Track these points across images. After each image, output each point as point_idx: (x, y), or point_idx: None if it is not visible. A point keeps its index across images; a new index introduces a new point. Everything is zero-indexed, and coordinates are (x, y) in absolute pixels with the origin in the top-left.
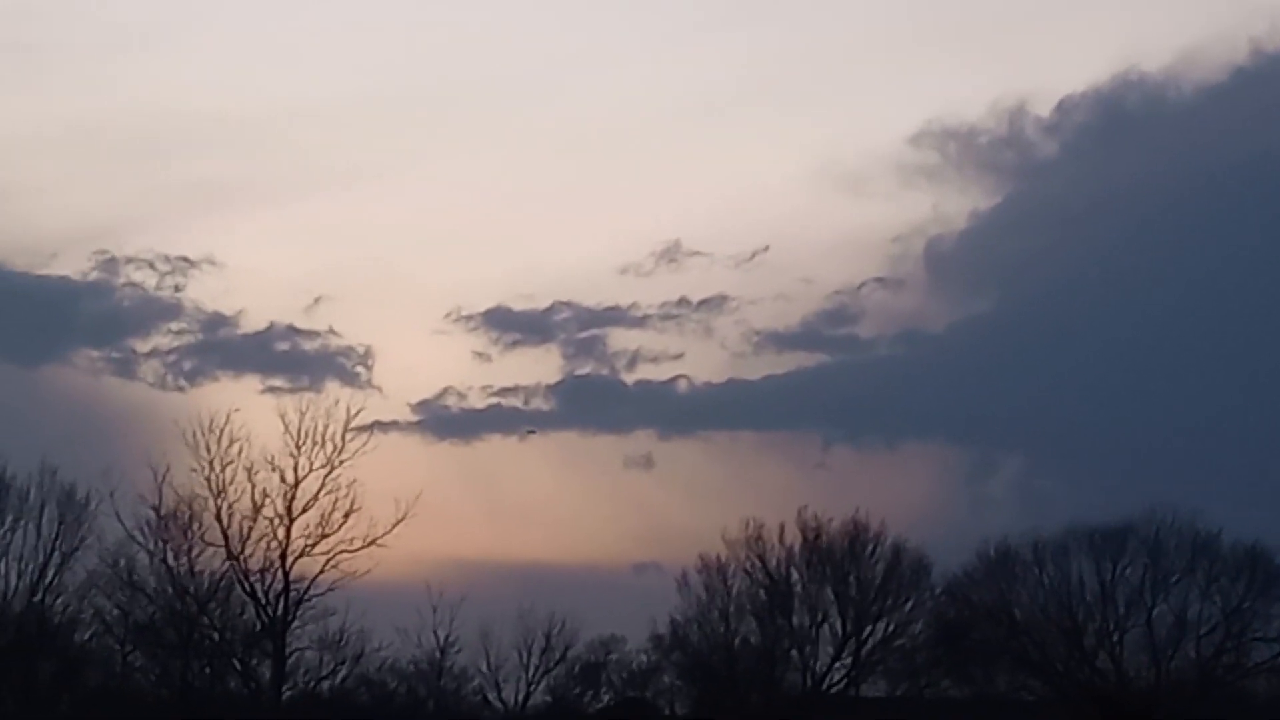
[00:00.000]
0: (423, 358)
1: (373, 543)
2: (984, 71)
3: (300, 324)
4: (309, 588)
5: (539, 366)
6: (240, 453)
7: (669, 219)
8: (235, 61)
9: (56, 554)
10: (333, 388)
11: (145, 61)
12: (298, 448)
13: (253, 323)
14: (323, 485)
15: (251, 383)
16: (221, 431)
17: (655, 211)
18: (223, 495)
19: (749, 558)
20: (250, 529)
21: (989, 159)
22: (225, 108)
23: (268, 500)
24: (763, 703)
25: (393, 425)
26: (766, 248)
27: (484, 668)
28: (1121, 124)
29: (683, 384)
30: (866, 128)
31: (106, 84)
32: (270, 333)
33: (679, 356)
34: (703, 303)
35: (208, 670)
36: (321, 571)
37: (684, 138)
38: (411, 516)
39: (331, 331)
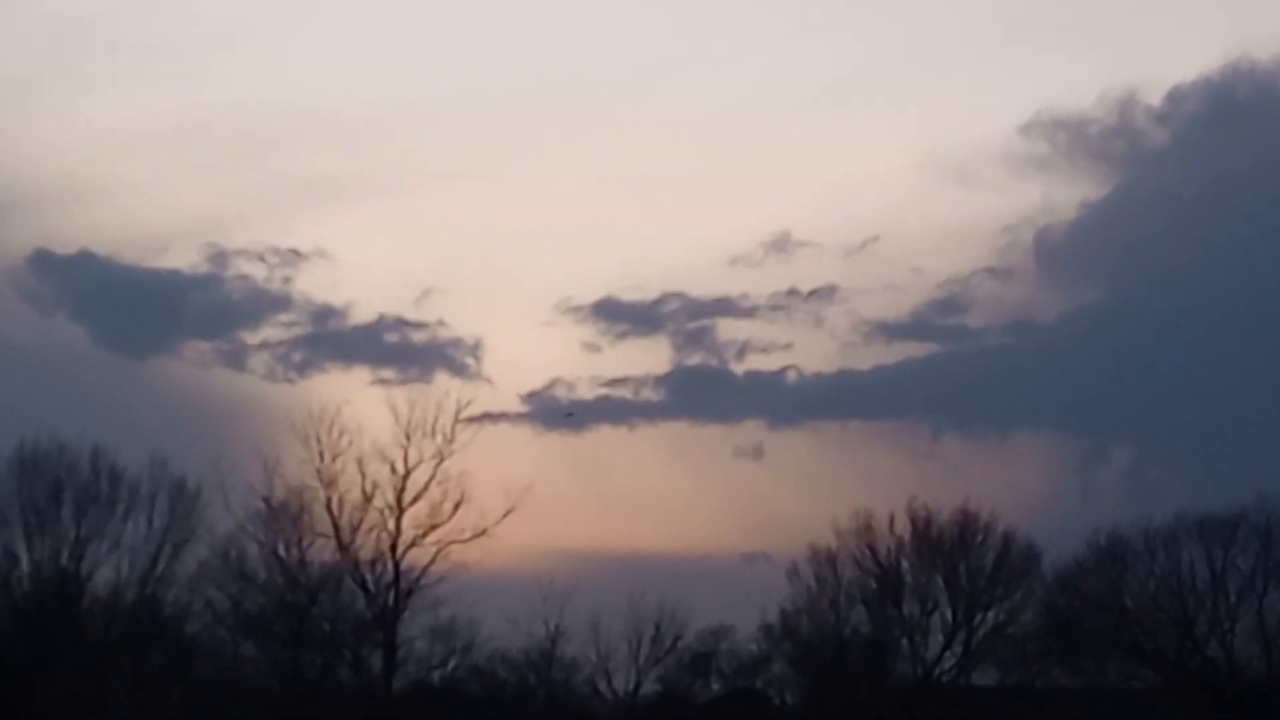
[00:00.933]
0: (532, 349)
1: (482, 533)
2: (1094, 61)
3: (410, 316)
4: (419, 578)
5: (648, 357)
6: (350, 444)
7: (779, 210)
8: (346, 55)
9: (167, 545)
10: (442, 379)
11: (256, 56)
12: (408, 439)
13: (362, 315)
14: (433, 476)
15: (361, 374)
16: (331, 423)
17: (765, 202)
18: (333, 486)
19: (859, 547)
20: (360, 520)
21: (1099, 149)
22: (337, 101)
23: (378, 491)
24: (873, 692)
25: (502, 416)
26: (876, 238)
27: (594, 657)
28: (1232, 113)
29: (792, 374)
30: (976, 118)
31: (218, 79)
32: (380, 325)
33: (788, 347)
34: (812, 293)
35: (318, 661)
36: (432, 562)
37: (794, 129)
38: (521, 507)
39: (441, 323)
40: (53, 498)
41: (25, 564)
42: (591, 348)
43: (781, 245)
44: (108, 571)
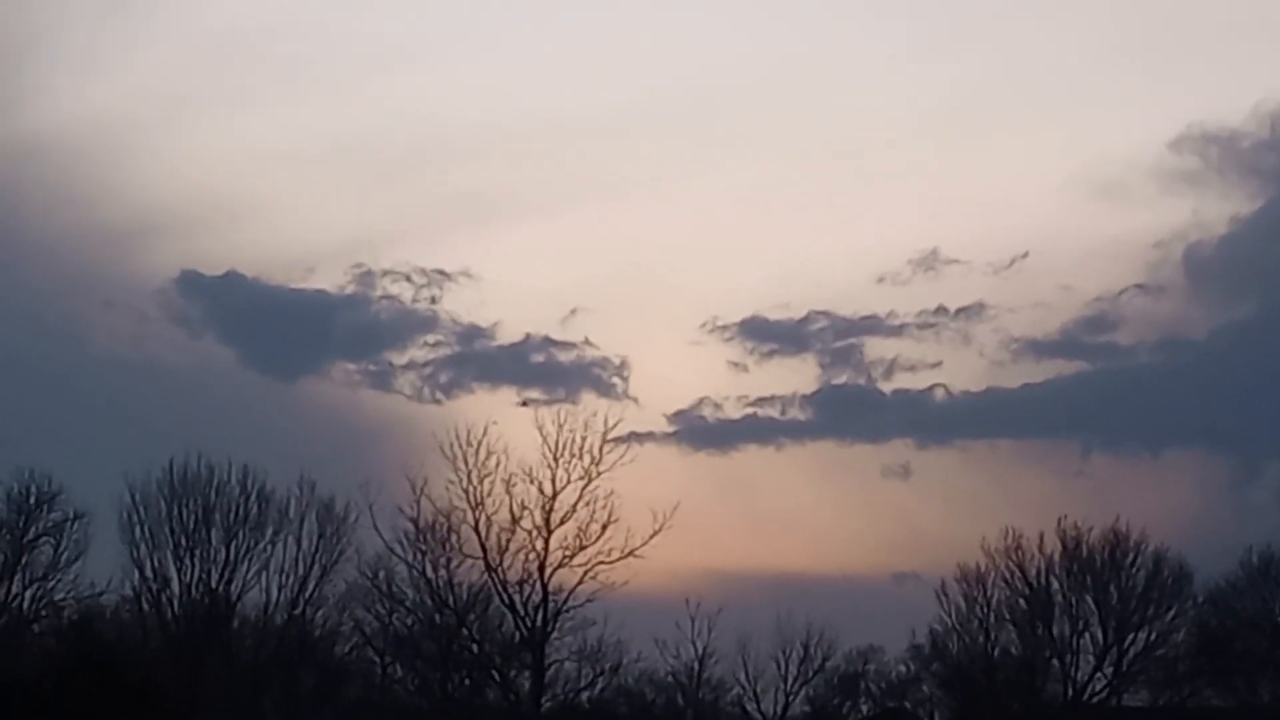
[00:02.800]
0: (678, 368)
1: (630, 554)
2: (1246, 74)
3: (556, 335)
4: (567, 599)
5: (795, 376)
6: (498, 465)
7: (926, 227)
8: (493, 75)
9: (316, 567)
10: (589, 399)
11: (405, 76)
12: (555, 459)
13: (509, 334)
14: (580, 497)
15: (508, 394)
16: (479, 443)
17: (913, 219)
18: (481, 507)
19: (1008, 567)
20: (508, 541)
21: (1251, 163)
22: (482, 121)
23: (526, 512)
24: (1023, 713)
25: (649, 436)
26: (1025, 254)
27: (742, 678)
28: None
29: (940, 393)
30: (1126, 133)
31: (366, 99)
32: (526, 344)
33: (936, 365)
34: (960, 310)
35: (467, 682)
36: (580, 583)
37: (942, 145)
38: (669, 527)
39: (587, 343)
40: (203, 519)
41: (176, 586)
42: (738, 367)
43: (929, 263)
44: (257, 593)
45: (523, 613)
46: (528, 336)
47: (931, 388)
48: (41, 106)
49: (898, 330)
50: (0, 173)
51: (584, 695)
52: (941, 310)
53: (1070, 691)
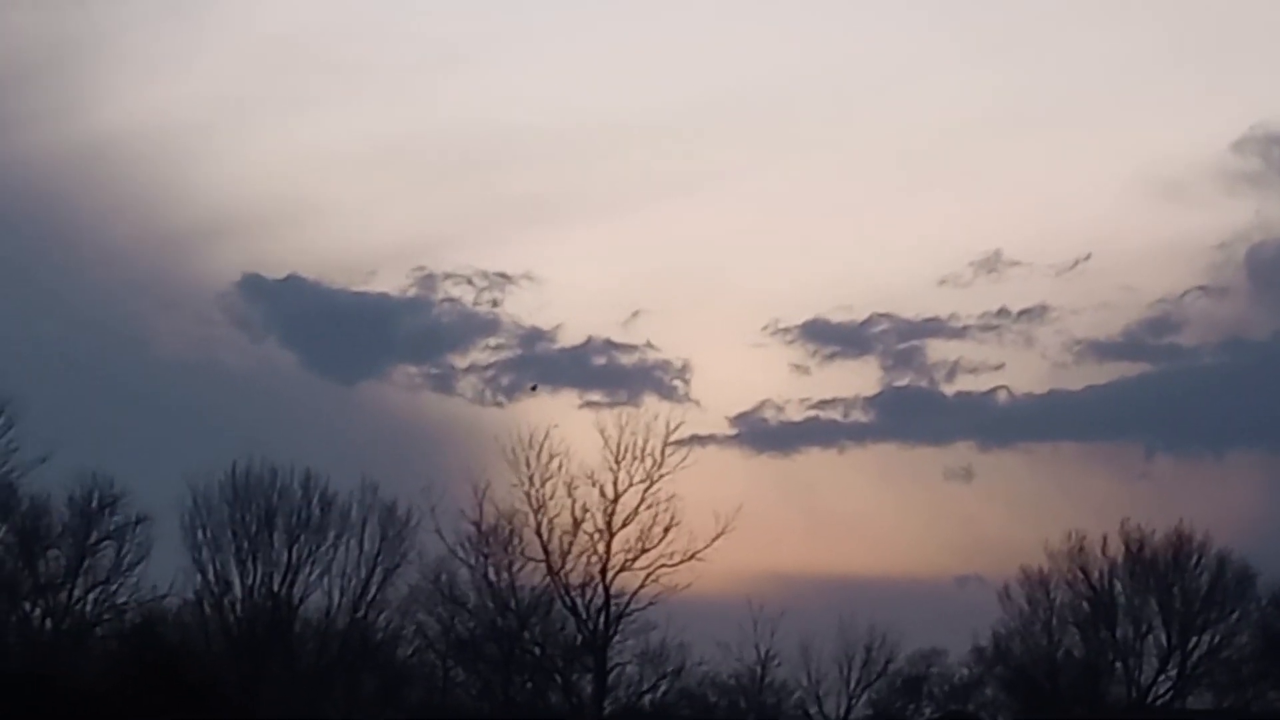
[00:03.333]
0: (740, 371)
1: (692, 557)
2: None
3: (618, 338)
4: (629, 602)
5: (857, 378)
6: (560, 468)
7: (988, 228)
8: (555, 76)
9: (379, 570)
10: (650, 402)
11: (466, 78)
12: (617, 462)
13: (570, 337)
14: (642, 500)
15: (569, 397)
16: (541, 446)
17: (974, 221)
18: (543, 510)
19: (1071, 570)
20: (570, 544)
21: None
22: (544, 123)
23: (588, 515)
24: (1086, 716)
25: (710, 439)
26: (1088, 256)
27: (805, 681)
28: None
29: (1003, 395)
30: (1188, 134)
31: (427, 101)
32: (588, 347)
33: (999, 367)
34: (1023, 312)
35: (529, 685)
36: (642, 586)
37: (1003, 147)
38: (731, 530)
39: (649, 345)
40: (265, 523)
41: (238, 589)
42: (800, 369)
43: (991, 264)
44: (319, 596)
45: (585, 616)
46: (589, 339)
47: (994, 390)
48: (104, 111)
49: (960, 332)
50: (64, 177)
51: (646, 699)
52: (1004, 312)
53: (1134, 694)
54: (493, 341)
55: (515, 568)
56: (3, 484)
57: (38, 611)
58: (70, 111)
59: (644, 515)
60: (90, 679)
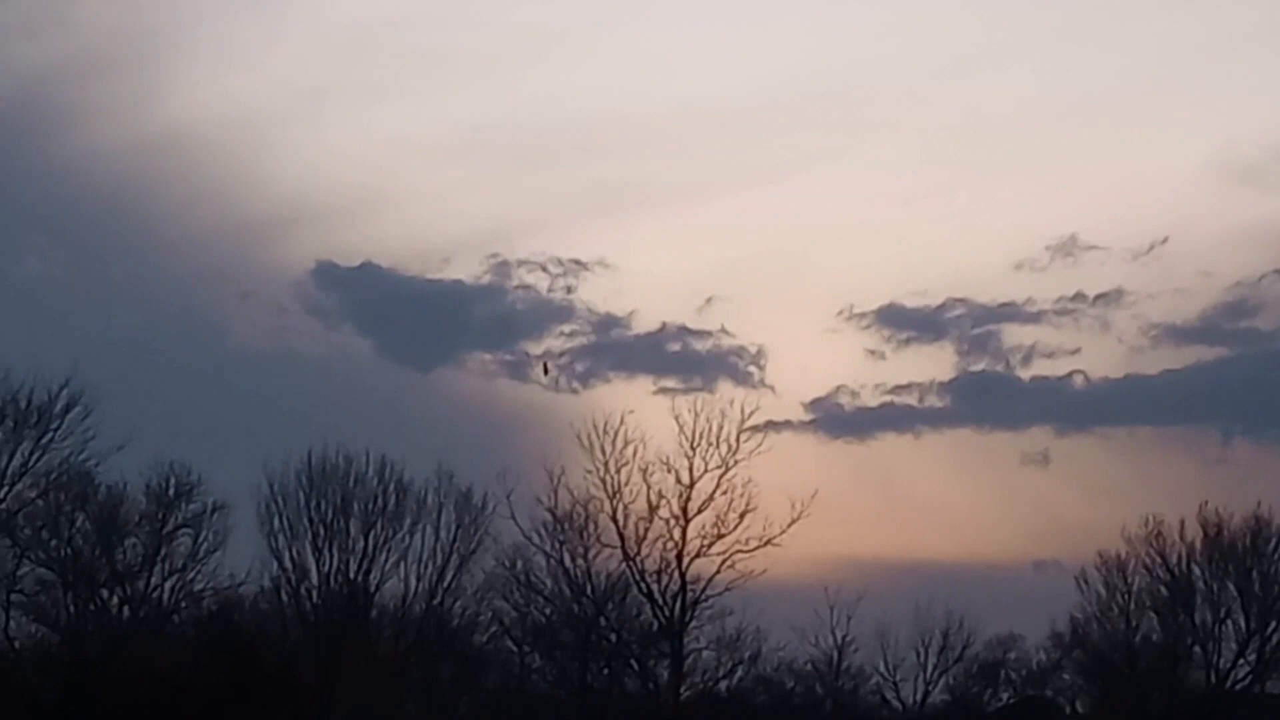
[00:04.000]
0: (815, 356)
1: (768, 543)
2: None
3: (692, 324)
4: (705, 588)
5: (932, 364)
6: (635, 454)
7: (1064, 213)
8: (631, 64)
9: (454, 557)
10: (725, 388)
11: (541, 65)
12: (692, 448)
13: (645, 323)
14: (718, 485)
15: (644, 384)
16: (616, 433)
17: (1050, 205)
18: (618, 496)
19: (1149, 554)
20: (646, 530)
21: None
22: (620, 110)
23: (663, 501)
24: (1165, 701)
25: (785, 425)
26: (1165, 240)
27: (881, 667)
28: None
29: (1079, 379)
30: (1266, 117)
31: (503, 89)
32: (662, 333)
33: (1075, 352)
34: (1099, 297)
35: (605, 671)
36: (718, 572)
37: (1080, 130)
38: (807, 516)
39: (724, 331)
40: (341, 510)
41: (314, 576)
42: (875, 354)
43: (1068, 249)
44: (395, 583)
45: (661, 602)
46: (664, 325)
47: (1070, 374)
48: (179, 100)
49: (1036, 317)
50: (139, 166)
51: (722, 684)
52: (1080, 296)
53: (1212, 679)
54: (567, 328)
55: (591, 554)
56: (81, 473)
57: (115, 599)
58: (148, 102)
59: (719, 501)
60: (167, 667)
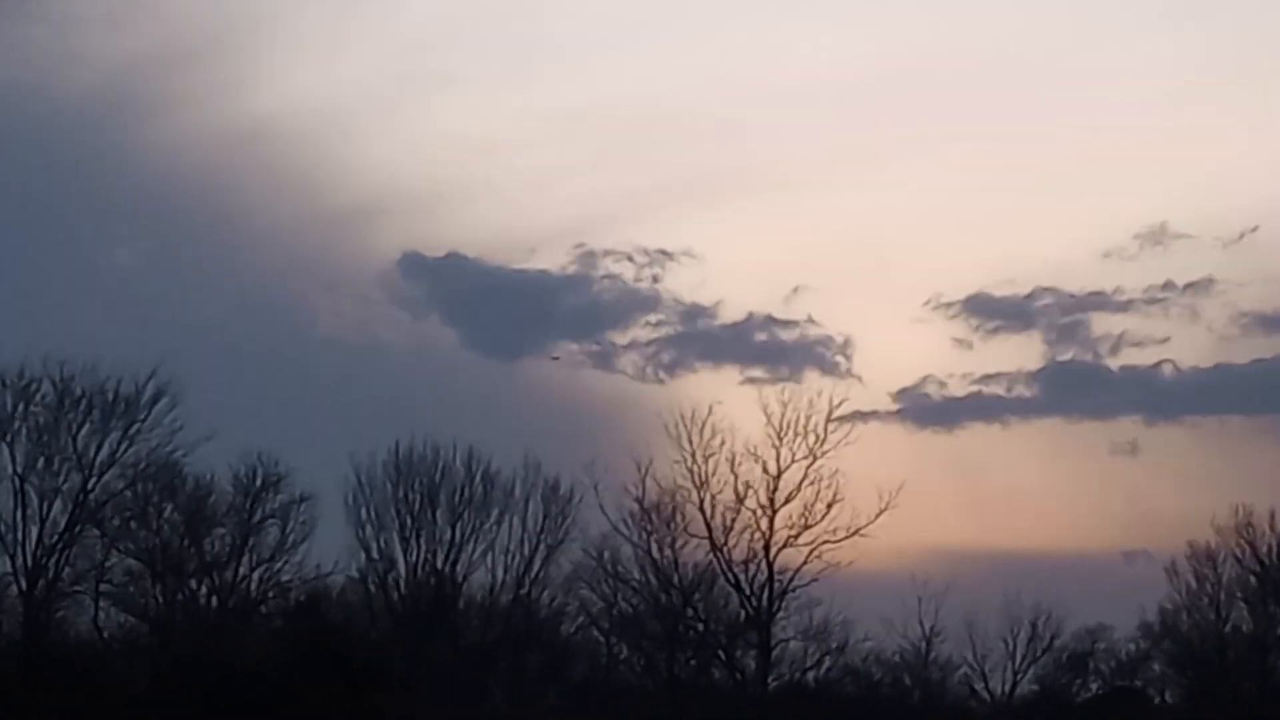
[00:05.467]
0: (902, 346)
1: (856, 533)
2: None
3: (779, 314)
4: (793, 578)
5: (1020, 353)
6: (722, 444)
7: (1154, 201)
8: (718, 53)
9: (542, 547)
10: (812, 377)
11: (627, 55)
12: (780, 438)
13: (731, 313)
14: (805, 476)
15: (730, 374)
16: (703, 423)
17: (1139, 194)
18: (706, 486)
19: (1239, 544)
20: (733, 520)
21: None
22: (705, 99)
23: (750, 491)
24: (1254, 691)
25: (873, 414)
26: (1255, 228)
27: (970, 657)
28: None
29: (1168, 369)
30: None
31: (589, 79)
32: (749, 323)
33: (1164, 341)
34: (1189, 286)
35: (693, 662)
36: (805, 562)
37: (1169, 119)
38: (894, 506)
39: (810, 321)
40: (428, 500)
41: (401, 566)
42: (963, 344)
43: (1157, 237)
44: (482, 574)
45: (748, 592)
46: (750, 315)
47: (1159, 364)
48: (266, 91)
49: (1125, 306)
50: (226, 157)
51: (810, 675)
52: (1169, 285)
53: None
54: (653, 318)
55: (678, 544)
56: (168, 464)
57: (203, 590)
58: (234, 93)
59: (807, 491)
60: (256, 657)
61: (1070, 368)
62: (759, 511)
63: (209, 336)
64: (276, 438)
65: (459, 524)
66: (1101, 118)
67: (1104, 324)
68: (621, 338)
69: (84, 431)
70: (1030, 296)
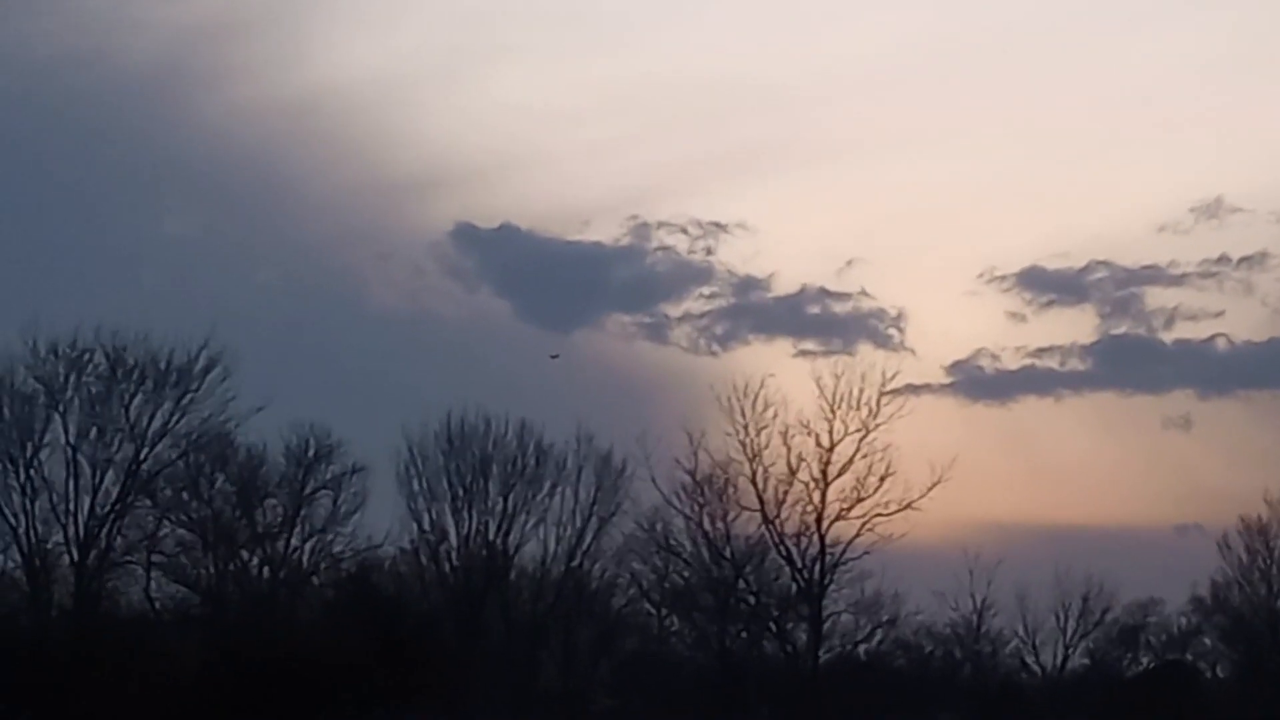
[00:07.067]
0: (955, 319)
1: (908, 506)
2: None
3: (832, 286)
4: (844, 551)
5: (1074, 326)
6: (775, 417)
7: (1209, 175)
8: (772, 25)
9: (594, 519)
10: (865, 350)
11: (681, 28)
12: (833, 411)
13: (784, 286)
14: (858, 449)
15: (783, 346)
16: (756, 396)
17: (1194, 167)
18: (758, 459)
19: None
20: (786, 493)
21: None
22: (758, 72)
23: (803, 464)
24: None
25: (925, 388)
26: None
27: (1021, 631)
28: None
29: (1222, 342)
30: None
31: (641, 51)
32: (802, 296)
33: (1219, 314)
34: (1244, 259)
35: (744, 634)
36: (857, 535)
37: (1225, 92)
38: (947, 480)
39: (863, 293)
40: (480, 472)
41: (453, 538)
42: (1016, 317)
43: (1213, 211)
44: (534, 545)
45: (800, 565)
46: (803, 288)
47: (1213, 337)
48: (320, 62)
49: (1179, 280)
50: (280, 128)
51: (861, 647)
52: (1224, 259)
53: None
54: (706, 290)
55: (730, 517)
56: (221, 434)
57: (255, 560)
58: (289, 64)
59: (859, 464)
60: (307, 627)
61: (1124, 341)
62: (811, 484)
63: (261, 307)
64: (329, 408)
65: (511, 496)
66: (1158, 91)
67: (1158, 297)
68: (675, 310)
69: (136, 402)
70: (1084, 270)
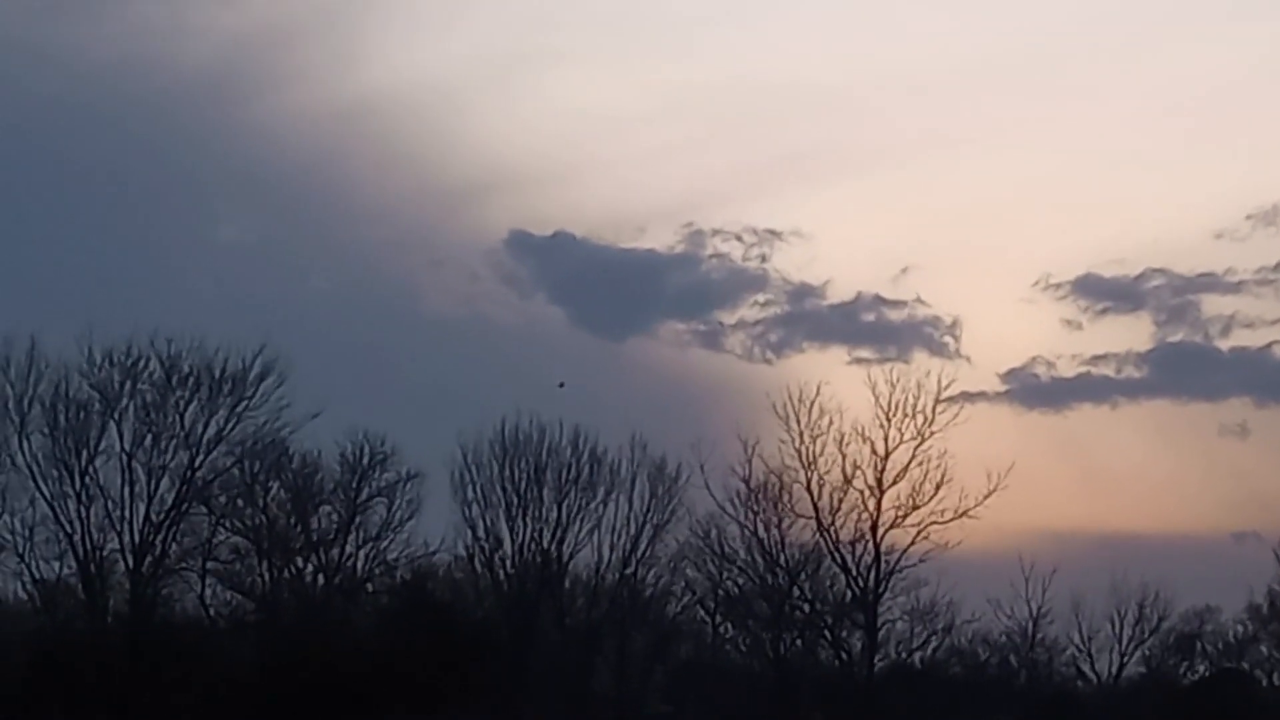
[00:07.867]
0: (1011, 326)
1: (964, 514)
2: None
3: (887, 294)
4: (900, 559)
5: (1130, 334)
6: (830, 424)
7: (1266, 181)
8: (825, 30)
9: (648, 526)
10: (920, 358)
11: (736, 33)
12: (888, 419)
13: (839, 293)
14: (913, 457)
15: (838, 354)
16: (811, 403)
17: (1252, 173)
18: (813, 467)
19: None
20: (840, 501)
21: None
22: (815, 77)
23: (858, 472)
24: None
25: (980, 395)
26: None
27: (1076, 639)
28: None
29: (1279, 350)
30: None
31: (698, 57)
32: (857, 303)
33: (1276, 322)
34: None
35: (799, 642)
36: (912, 543)
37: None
38: (1003, 488)
39: (919, 301)
40: (535, 479)
41: (508, 545)
42: (1071, 325)
43: (1270, 218)
44: (589, 553)
45: (855, 572)
46: (858, 295)
47: (1270, 345)
48: (375, 67)
49: (1236, 287)
50: (335, 133)
51: (916, 655)
52: None
53: None
54: (761, 298)
55: (785, 524)
56: (275, 441)
57: (310, 568)
58: (343, 69)
59: (915, 472)
60: (362, 634)
61: (1180, 349)
62: (866, 492)
63: (316, 313)
64: (383, 415)
65: (565, 503)
66: (1215, 96)
67: (1214, 305)
68: (729, 317)
69: (191, 409)
70: (1140, 277)
